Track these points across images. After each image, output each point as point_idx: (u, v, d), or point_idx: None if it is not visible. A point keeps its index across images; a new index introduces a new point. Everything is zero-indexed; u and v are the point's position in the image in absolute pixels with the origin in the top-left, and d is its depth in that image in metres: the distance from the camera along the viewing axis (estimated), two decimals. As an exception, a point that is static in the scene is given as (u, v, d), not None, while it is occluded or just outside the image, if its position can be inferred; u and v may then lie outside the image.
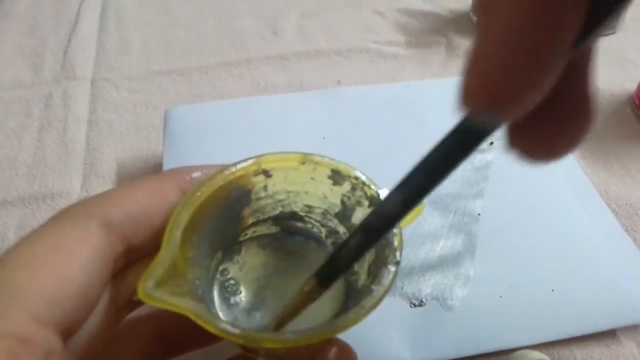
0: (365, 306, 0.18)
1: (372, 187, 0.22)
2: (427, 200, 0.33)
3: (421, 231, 0.32)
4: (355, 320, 0.18)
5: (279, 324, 0.20)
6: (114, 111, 0.44)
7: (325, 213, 0.24)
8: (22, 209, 0.37)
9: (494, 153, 0.37)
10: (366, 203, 0.22)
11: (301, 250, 0.24)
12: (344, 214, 0.23)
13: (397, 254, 0.19)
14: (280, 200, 0.23)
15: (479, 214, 0.33)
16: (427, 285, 0.30)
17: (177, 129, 0.37)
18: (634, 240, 0.34)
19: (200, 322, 0.16)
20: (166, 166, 0.35)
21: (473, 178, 0.35)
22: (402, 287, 0.30)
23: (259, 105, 0.40)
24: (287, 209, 0.24)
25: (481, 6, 0.11)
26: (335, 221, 0.23)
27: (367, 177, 0.22)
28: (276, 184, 0.22)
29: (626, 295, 0.30)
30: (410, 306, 0.29)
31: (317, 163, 0.22)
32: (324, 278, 0.19)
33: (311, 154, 0.22)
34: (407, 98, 0.40)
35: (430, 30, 0.51)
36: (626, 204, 0.36)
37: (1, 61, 0.49)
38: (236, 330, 0.16)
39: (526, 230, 0.32)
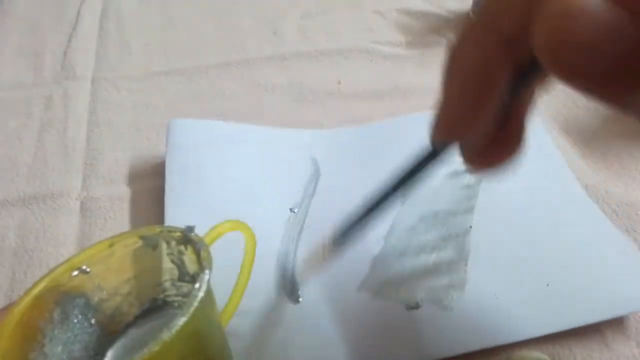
0: (146, 350, 0.17)
1: (174, 228, 0.22)
2: (420, 216, 0.34)
3: (416, 243, 0.32)
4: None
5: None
6: (114, 111, 0.44)
7: (173, 282, 0.24)
8: (22, 209, 0.37)
9: None
10: (182, 247, 0.22)
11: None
12: (182, 271, 0.23)
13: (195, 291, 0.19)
14: (126, 294, 0.23)
15: (470, 227, 0.33)
16: (421, 290, 0.30)
17: (179, 141, 0.37)
18: (634, 240, 0.34)
19: None
20: (169, 175, 0.35)
21: (465, 195, 0.35)
22: (397, 294, 0.30)
23: (259, 135, 0.39)
24: (142, 301, 0.24)
25: (443, 78, 0.17)
26: (185, 284, 0.23)
27: (164, 226, 0.23)
28: (106, 279, 0.22)
29: (618, 286, 0.30)
30: (406, 309, 0.29)
31: (124, 238, 0.22)
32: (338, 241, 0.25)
33: (117, 236, 0.22)
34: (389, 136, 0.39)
35: (430, 30, 0.51)
36: (626, 204, 0.36)
37: (1, 61, 0.49)
38: None
39: (520, 230, 0.33)
